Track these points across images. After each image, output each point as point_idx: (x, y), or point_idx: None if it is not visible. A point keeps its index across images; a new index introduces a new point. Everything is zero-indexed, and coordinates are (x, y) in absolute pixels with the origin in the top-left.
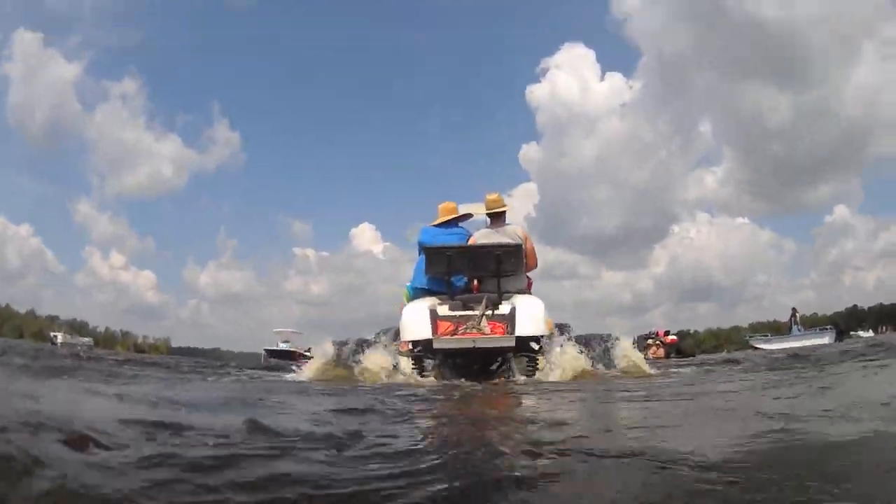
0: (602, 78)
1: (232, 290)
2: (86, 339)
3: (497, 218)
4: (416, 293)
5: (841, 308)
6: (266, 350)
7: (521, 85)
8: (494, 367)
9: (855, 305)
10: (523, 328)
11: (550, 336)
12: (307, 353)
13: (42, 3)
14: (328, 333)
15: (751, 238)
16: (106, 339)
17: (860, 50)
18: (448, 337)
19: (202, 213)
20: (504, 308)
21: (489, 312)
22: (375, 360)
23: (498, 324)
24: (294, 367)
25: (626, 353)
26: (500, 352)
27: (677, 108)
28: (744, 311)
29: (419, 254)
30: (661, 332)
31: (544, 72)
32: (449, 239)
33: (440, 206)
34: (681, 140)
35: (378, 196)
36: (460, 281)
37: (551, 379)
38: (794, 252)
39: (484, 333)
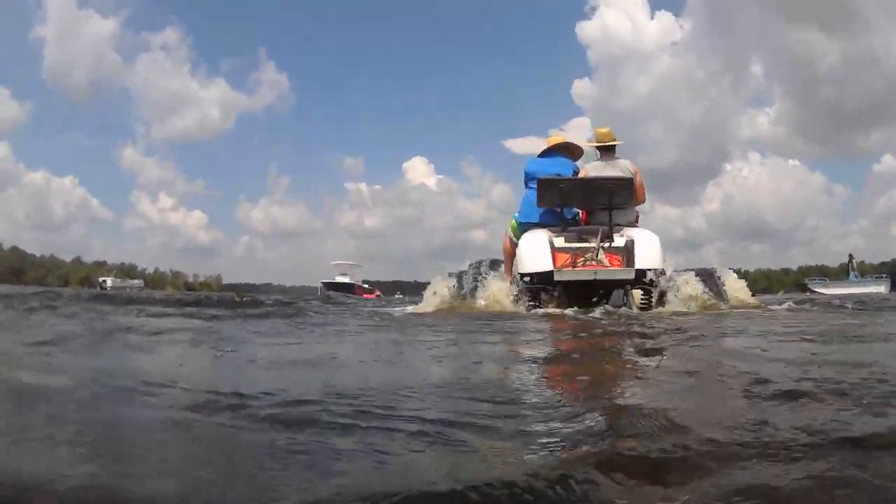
0: (652, 16)
1: (285, 225)
2: (135, 282)
3: (608, 151)
4: (526, 226)
5: (887, 259)
6: (323, 283)
7: (569, 22)
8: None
9: None
10: (642, 261)
11: (664, 270)
12: (366, 286)
13: None
14: (385, 266)
15: (802, 180)
16: (155, 280)
17: None
18: (569, 269)
19: (252, 153)
20: (619, 241)
21: (605, 245)
22: (500, 291)
23: (614, 256)
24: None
25: (735, 288)
26: (620, 284)
27: (727, 48)
28: (796, 253)
29: (525, 186)
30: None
31: (593, 9)
32: (556, 170)
33: (549, 139)
34: (732, 79)
35: (430, 131)
36: (570, 213)
37: (673, 309)
38: (845, 198)
39: (603, 265)
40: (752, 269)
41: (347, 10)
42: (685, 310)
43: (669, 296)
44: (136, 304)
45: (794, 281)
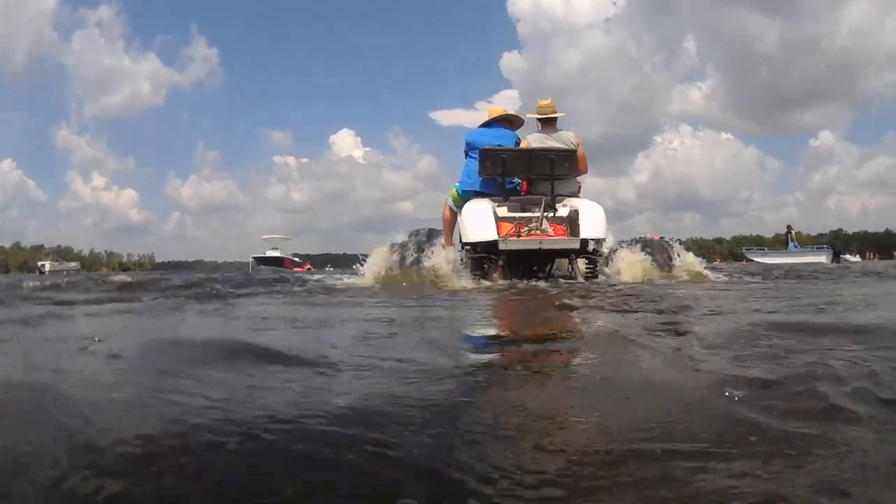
0: None
1: (214, 201)
2: (72, 264)
3: (549, 123)
4: (467, 195)
5: (825, 230)
6: (254, 258)
7: None
8: (547, 268)
9: (840, 229)
10: (587, 231)
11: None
12: (297, 260)
13: None
14: (313, 239)
15: (735, 154)
16: (91, 262)
17: None
18: (514, 238)
19: (181, 129)
20: (562, 211)
21: (549, 215)
22: (444, 261)
23: (558, 226)
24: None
25: (684, 258)
26: (564, 253)
27: (662, 25)
28: (728, 224)
29: (466, 156)
30: (656, 237)
31: None
32: (498, 140)
33: (489, 109)
34: (665, 56)
35: (357, 103)
36: (510, 183)
37: (619, 279)
38: (779, 171)
39: (548, 235)
40: (683, 238)
41: None
42: (630, 279)
43: (614, 265)
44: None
45: (729, 250)
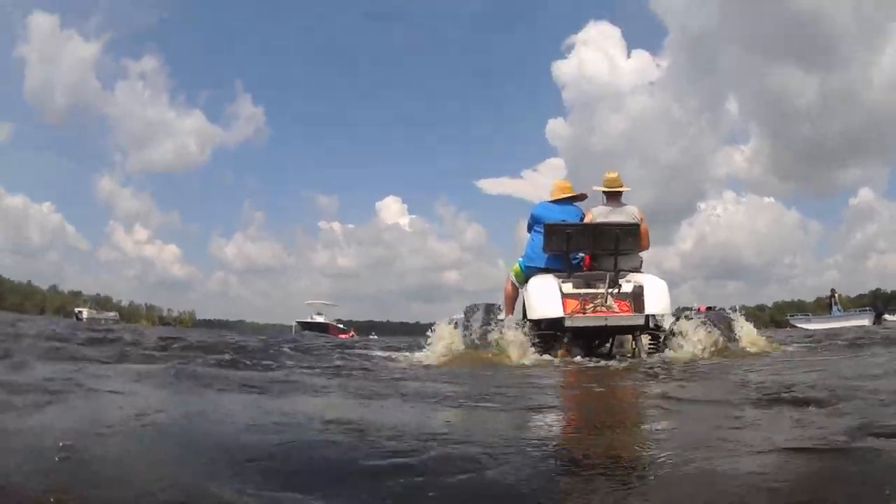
0: (629, 55)
1: (258, 262)
2: (111, 314)
3: (614, 197)
4: (531, 270)
5: (865, 291)
6: (298, 322)
7: (545, 62)
8: (609, 343)
9: (878, 289)
10: (652, 307)
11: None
12: (341, 326)
13: None
14: (358, 306)
15: (777, 218)
16: (130, 313)
17: (888, 33)
18: (580, 315)
19: (227, 187)
20: (626, 286)
21: (613, 291)
22: (514, 339)
23: (623, 301)
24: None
25: (745, 328)
26: (629, 330)
27: (704, 86)
28: (770, 290)
29: (528, 230)
30: (703, 308)
31: (570, 48)
32: (564, 216)
33: (555, 183)
34: (708, 117)
35: (403, 170)
36: (574, 258)
37: (682, 355)
38: (820, 233)
39: (613, 311)
40: (726, 307)
41: (324, 46)
42: (698, 354)
43: (678, 340)
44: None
45: (771, 317)
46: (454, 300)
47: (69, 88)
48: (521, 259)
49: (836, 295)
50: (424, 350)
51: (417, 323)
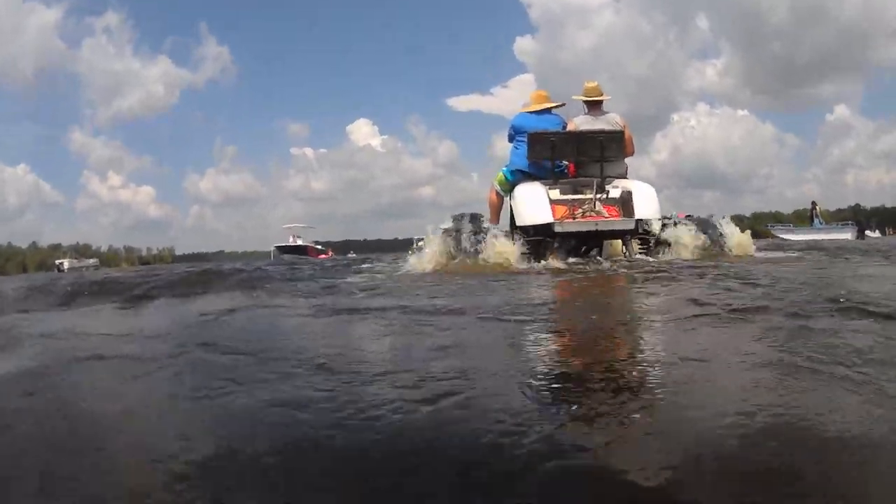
0: None
1: (233, 193)
2: (91, 261)
3: (595, 106)
4: (516, 177)
5: (844, 206)
6: (276, 247)
7: None
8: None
9: (858, 204)
10: (642, 211)
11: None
12: (319, 247)
13: None
14: (333, 227)
15: (752, 130)
16: (110, 258)
17: None
18: (570, 221)
19: (197, 127)
20: (614, 192)
21: (601, 196)
22: (505, 247)
23: (612, 207)
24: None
25: (736, 235)
26: (619, 234)
27: (672, 2)
28: (747, 200)
29: (510, 141)
30: (682, 215)
31: None
32: (545, 125)
33: (532, 94)
34: (678, 32)
35: (372, 92)
36: (558, 166)
37: (673, 258)
38: (796, 146)
39: (603, 217)
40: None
41: None
42: (689, 257)
43: (668, 243)
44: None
45: (750, 226)
46: (429, 215)
47: (34, 54)
48: (505, 168)
49: (817, 207)
50: (415, 257)
51: (395, 239)
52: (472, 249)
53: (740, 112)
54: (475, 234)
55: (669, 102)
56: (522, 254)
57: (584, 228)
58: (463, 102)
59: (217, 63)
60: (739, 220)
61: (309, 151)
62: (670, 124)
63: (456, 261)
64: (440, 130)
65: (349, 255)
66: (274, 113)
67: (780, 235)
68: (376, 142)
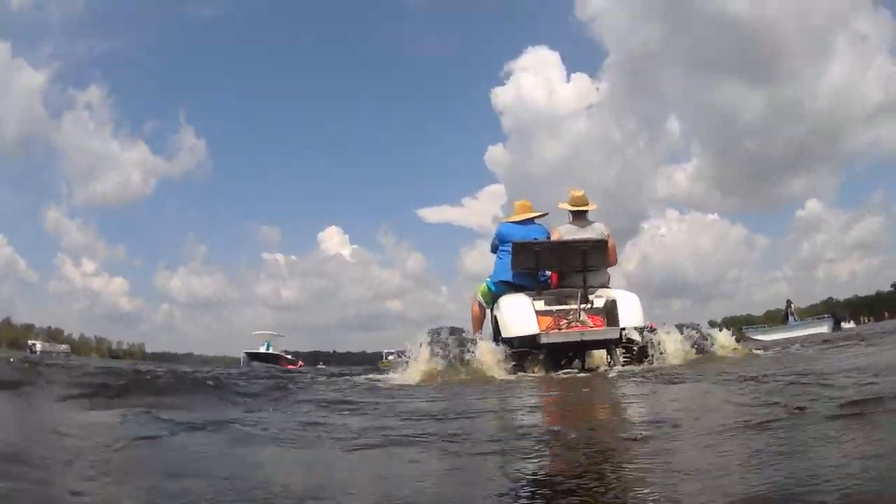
0: (568, 79)
1: (203, 295)
2: (63, 347)
3: (580, 215)
4: (500, 288)
5: (816, 301)
6: (247, 353)
7: (485, 88)
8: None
9: (830, 298)
10: (626, 320)
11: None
12: (289, 357)
13: (8, 11)
14: (303, 336)
15: (722, 234)
16: (81, 346)
17: (832, 44)
18: (556, 331)
19: (171, 219)
20: (598, 301)
21: (585, 306)
22: (490, 357)
23: (596, 316)
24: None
25: (720, 338)
26: (603, 344)
27: (644, 107)
28: (716, 306)
29: (493, 251)
30: (653, 325)
31: (508, 75)
32: (529, 234)
33: (517, 203)
34: (648, 137)
35: (343, 199)
36: (542, 276)
37: (654, 366)
38: (766, 247)
39: (588, 326)
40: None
41: (265, 78)
42: (677, 362)
43: (653, 350)
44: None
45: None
46: (397, 328)
47: (18, 119)
48: (488, 279)
49: (792, 305)
50: (398, 371)
51: (363, 352)
52: (459, 360)
53: (710, 216)
54: (461, 345)
55: (639, 211)
56: (510, 365)
57: (569, 339)
58: (433, 213)
59: (193, 155)
60: (713, 326)
61: (280, 257)
62: (640, 233)
63: (442, 371)
64: (410, 241)
65: (319, 366)
66: (247, 212)
67: (756, 337)
68: (346, 251)
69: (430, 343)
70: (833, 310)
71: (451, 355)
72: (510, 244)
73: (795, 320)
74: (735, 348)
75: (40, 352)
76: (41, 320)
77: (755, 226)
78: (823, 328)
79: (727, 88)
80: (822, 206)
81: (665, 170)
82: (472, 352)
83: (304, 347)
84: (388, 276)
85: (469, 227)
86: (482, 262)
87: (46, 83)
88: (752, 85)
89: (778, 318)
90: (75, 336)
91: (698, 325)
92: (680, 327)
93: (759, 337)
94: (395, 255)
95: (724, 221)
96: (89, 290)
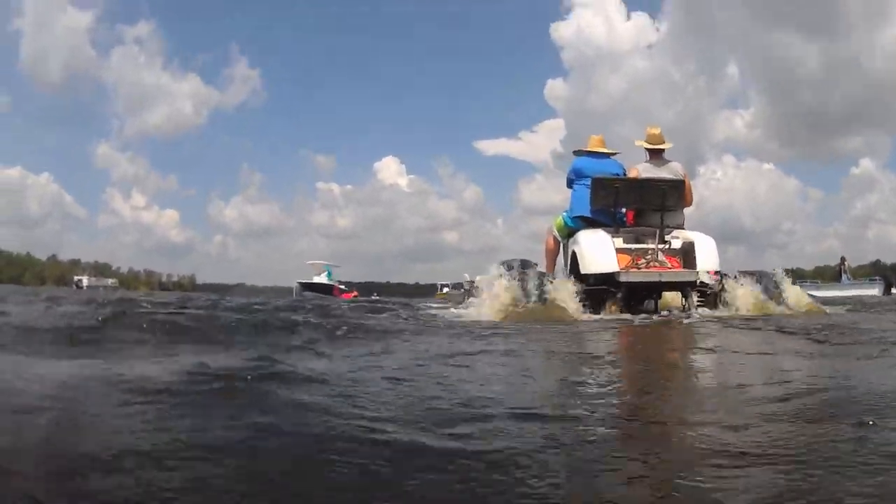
0: (628, 17)
1: (257, 224)
2: (110, 281)
3: (657, 153)
4: (577, 223)
5: (865, 261)
6: (299, 283)
7: (544, 22)
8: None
9: (878, 260)
10: (704, 263)
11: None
12: (343, 287)
13: None
14: (357, 267)
15: (777, 184)
16: (129, 280)
17: (891, 4)
18: (635, 270)
19: (224, 150)
20: (675, 243)
21: (663, 247)
22: (567, 294)
23: (673, 258)
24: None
25: (793, 291)
26: (680, 286)
27: (704, 50)
28: (770, 256)
29: (569, 185)
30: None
31: (568, 10)
32: (608, 169)
33: (592, 137)
34: (708, 80)
35: (401, 130)
36: (619, 214)
37: (730, 314)
38: (819, 201)
39: (666, 267)
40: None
41: (321, 8)
42: (744, 312)
43: (725, 298)
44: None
45: None
46: (452, 260)
47: (65, 58)
48: (564, 213)
49: (846, 263)
50: (471, 306)
51: (417, 283)
52: (538, 297)
53: (766, 165)
54: (540, 281)
55: (697, 153)
56: (582, 303)
57: (647, 279)
58: (490, 146)
59: (247, 85)
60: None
61: (335, 187)
62: (696, 176)
63: (520, 308)
64: (467, 172)
65: (373, 297)
66: (302, 142)
67: (808, 293)
68: (403, 181)
69: (506, 278)
70: (885, 272)
71: (530, 291)
72: (587, 179)
73: (849, 279)
74: (807, 304)
75: (87, 286)
76: (89, 256)
77: (810, 179)
78: (874, 290)
79: (786, 38)
80: (875, 166)
81: (723, 114)
82: (550, 288)
83: (358, 278)
84: (444, 208)
85: (526, 160)
86: (539, 196)
87: (93, 22)
88: (811, 38)
89: (828, 275)
90: (123, 270)
91: (773, 273)
92: (759, 276)
93: (812, 293)
94: (452, 187)
95: (780, 172)
96: (139, 224)
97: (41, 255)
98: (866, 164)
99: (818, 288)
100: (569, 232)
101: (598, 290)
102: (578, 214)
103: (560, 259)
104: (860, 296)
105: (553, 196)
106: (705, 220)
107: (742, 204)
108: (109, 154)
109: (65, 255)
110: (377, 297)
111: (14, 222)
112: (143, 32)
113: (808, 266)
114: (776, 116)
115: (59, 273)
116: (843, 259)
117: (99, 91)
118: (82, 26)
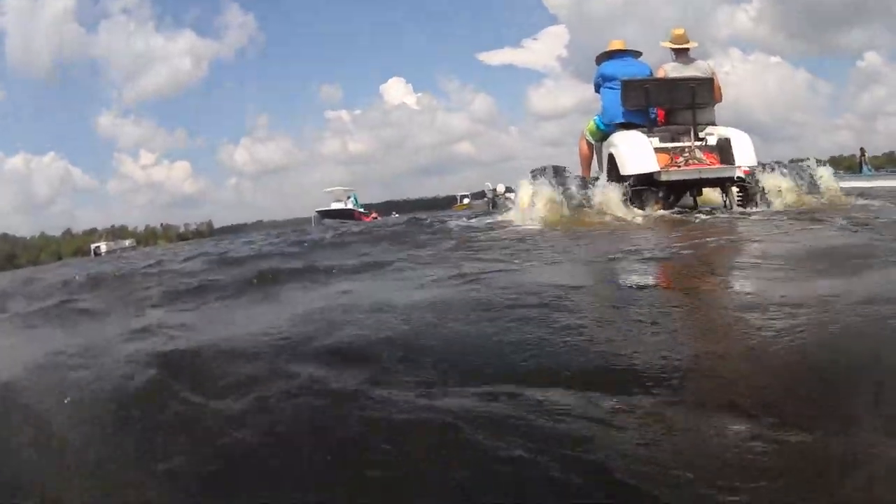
0: None
1: (269, 161)
2: (128, 241)
3: (683, 52)
4: (610, 126)
5: (878, 153)
6: (318, 212)
7: None
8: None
9: (892, 152)
10: (741, 158)
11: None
12: (362, 210)
13: None
14: (374, 188)
15: (786, 76)
16: (147, 237)
17: None
18: (675, 168)
19: (228, 97)
20: (711, 139)
21: (699, 144)
22: (612, 196)
23: (711, 154)
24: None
25: (827, 182)
26: (719, 182)
27: None
28: (783, 148)
29: (596, 90)
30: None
31: None
32: (634, 70)
33: (612, 42)
34: None
35: (402, 50)
36: (652, 113)
37: (772, 209)
38: (829, 93)
39: (705, 164)
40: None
41: None
42: (787, 205)
43: (765, 192)
44: None
45: None
46: (469, 170)
47: (52, 43)
48: (596, 116)
49: (866, 154)
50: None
51: (436, 197)
52: (583, 201)
53: (773, 58)
54: (583, 185)
55: (702, 51)
56: (625, 204)
57: (688, 177)
58: (494, 56)
59: (243, 31)
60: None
61: (344, 113)
62: None
63: (567, 214)
64: (474, 84)
65: (393, 215)
66: (305, 76)
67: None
68: (411, 100)
69: (545, 184)
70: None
71: (574, 195)
72: (615, 81)
73: (869, 170)
74: (838, 192)
75: (105, 252)
76: (104, 222)
77: (818, 71)
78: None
79: None
80: (881, 59)
81: (725, 9)
82: (594, 191)
83: (377, 199)
84: (455, 121)
85: (534, 67)
86: (549, 101)
87: (76, 3)
88: None
89: (843, 165)
90: (140, 229)
91: (805, 162)
92: (794, 167)
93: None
94: (461, 99)
95: (788, 64)
96: (151, 182)
97: (56, 232)
98: (871, 57)
99: (841, 179)
100: (602, 135)
101: (640, 190)
102: (611, 117)
103: (594, 163)
104: (884, 187)
105: (564, 100)
106: (719, 116)
107: (752, 97)
108: (112, 121)
109: (79, 228)
110: (397, 216)
111: (25, 208)
112: (129, 2)
113: (822, 157)
114: (780, 8)
115: (75, 246)
116: (862, 150)
117: (92, 67)
118: (66, 8)
